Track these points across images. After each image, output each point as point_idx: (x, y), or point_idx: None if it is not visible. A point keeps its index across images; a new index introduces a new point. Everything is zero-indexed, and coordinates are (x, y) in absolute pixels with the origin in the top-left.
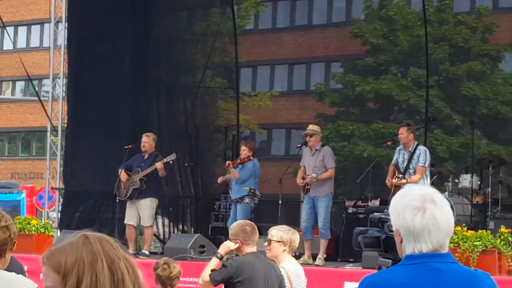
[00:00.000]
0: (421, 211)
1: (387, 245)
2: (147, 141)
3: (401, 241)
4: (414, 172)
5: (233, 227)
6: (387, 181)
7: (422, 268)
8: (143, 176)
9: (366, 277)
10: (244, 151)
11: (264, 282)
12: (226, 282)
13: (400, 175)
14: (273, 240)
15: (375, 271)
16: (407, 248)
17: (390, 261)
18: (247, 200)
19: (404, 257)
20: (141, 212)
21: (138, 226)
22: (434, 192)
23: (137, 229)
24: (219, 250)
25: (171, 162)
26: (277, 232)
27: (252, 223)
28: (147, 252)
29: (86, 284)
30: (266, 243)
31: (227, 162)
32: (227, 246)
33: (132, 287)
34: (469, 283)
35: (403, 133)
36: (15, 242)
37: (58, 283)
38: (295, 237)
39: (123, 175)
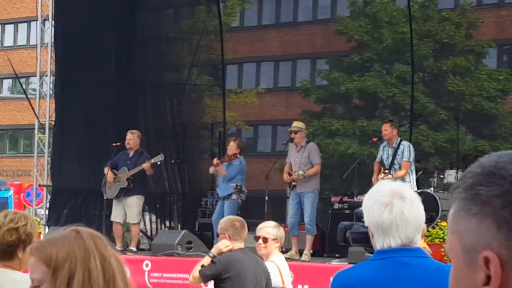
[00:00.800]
0: (389, 207)
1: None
2: (132, 138)
3: (373, 236)
4: (399, 168)
5: (223, 221)
6: (373, 179)
7: (389, 262)
8: (131, 175)
9: (337, 274)
10: (232, 148)
11: (252, 278)
12: (216, 278)
13: (386, 171)
14: (270, 239)
15: None
16: (377, 243)
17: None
18: (234, 197)
19: (374, 252)
20: (128, 210)
21: (125, 223)
22: (403, 188)
23: (124, 226)
24: (212, 250)
25: (158, 163)
26: (272, 230)
27: (242, 219)
28: (134, 249)
29: (78, 280)
30: (261, 241)
31: (215, 160)
32: (219, 248)
33: (123, 285)
34: (439, 278)
35: (387, 129)
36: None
37: (47, 276)
38: (283, 232)
39: (109, 174)
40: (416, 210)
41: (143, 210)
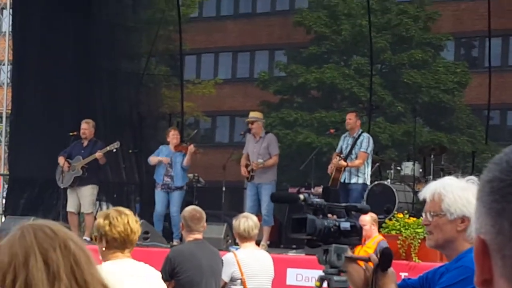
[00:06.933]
0: None
1: (342, 233)
2: (88, 127)
3: (464, 229)
4: (356, 158)
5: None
6: (329, 168)
7: None
8: (85, 164)
9: None
10: (177, 136)
11: (206, 269)
12: (172, 274)
13: (341, 155)
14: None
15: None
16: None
17: (347, 246)
18: (185, 187)
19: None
20: (82, 199)
21: (80, 213)
22: None
23: (80, 216)
24: None
25: (114, 150)
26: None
27: (201, 210)
28: (88, 238)
29: (20, 285)
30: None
31: (192, 147)
32: None
33: (67, 278)
34: None
35: (352, 118)
36: None
37: None
38: None
39: (64, 163)
40: None
41: (100, 200)
